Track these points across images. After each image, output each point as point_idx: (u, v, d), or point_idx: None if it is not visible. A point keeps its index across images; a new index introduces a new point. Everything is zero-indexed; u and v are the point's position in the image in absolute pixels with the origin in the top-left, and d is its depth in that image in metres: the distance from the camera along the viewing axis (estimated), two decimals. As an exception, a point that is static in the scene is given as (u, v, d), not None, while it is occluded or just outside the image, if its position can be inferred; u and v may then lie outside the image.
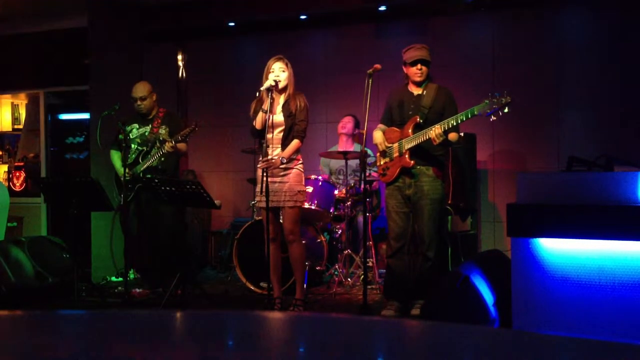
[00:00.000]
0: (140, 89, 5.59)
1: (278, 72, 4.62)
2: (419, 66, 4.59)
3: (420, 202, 4.56)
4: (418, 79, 4.62)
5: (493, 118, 4.14)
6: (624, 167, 3.59)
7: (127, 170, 5.30)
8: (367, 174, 5.67)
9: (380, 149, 4.67)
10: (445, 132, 4.34)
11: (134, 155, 5.52)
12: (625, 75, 6.02)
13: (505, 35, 6.47)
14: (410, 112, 4.61)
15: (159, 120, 5.57)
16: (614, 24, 6.12)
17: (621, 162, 3.66)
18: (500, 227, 6.27)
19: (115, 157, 5.62)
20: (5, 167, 7.88)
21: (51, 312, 2.70)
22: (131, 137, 5.56)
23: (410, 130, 4.53)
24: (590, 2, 6.30)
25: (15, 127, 7.98)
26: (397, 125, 4.65)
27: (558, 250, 3.47)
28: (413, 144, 4.48)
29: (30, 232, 7.04)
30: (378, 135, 4.70)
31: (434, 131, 4.31)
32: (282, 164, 4.59)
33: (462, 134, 5.81)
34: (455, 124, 4.30)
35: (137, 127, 5.59)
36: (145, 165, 5.41)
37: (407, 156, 4.52)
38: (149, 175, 5.32)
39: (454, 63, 6.47)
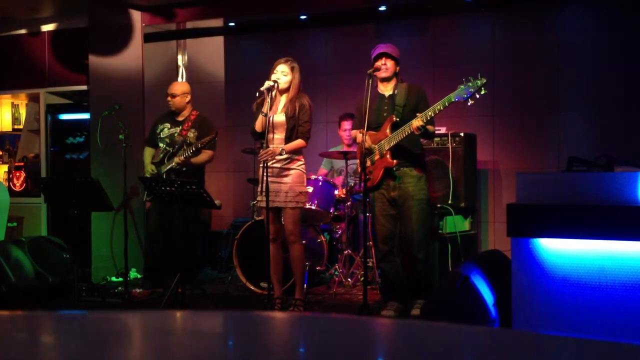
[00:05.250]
0: (174, 87, 5.67)
1: (279, 75, 4.62)
2: (382, 60, 4.56)
3: (406, 204, 4.54)
4: (383, 74, 4.57)
5: (471, 102, 4.11)
6: (624, 167, 3.59)
7: (149, 170, 5.32)
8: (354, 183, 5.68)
9: (367, 146, 4.55)
10: (425, 123, 4.32)
11: (161, 155, 5.58)
12: (626, 75, 6.02)
13: (505, 35, 6.47)
14: (385, 114, 4.59)
15: (190, 123, 5.58)
16: (614, 24, 6.12)
17: (621, 162, 3.65)
18: (500, 227, 6.26)
19: (147, 153, 5.69)
20: (5, 167, 7.87)
21: (51, 312, 2.70)
22: (162, 135, 5.61)
23: (388, 130, 4.50)
24: (590, 2, 6.31)
25: (15, 127, 7.96)
26: (373, 129, 4.60)
27: (558, 250, 3.47)
28: (393, 143, 4.46)
29: (30, 232, 7.03)
30: (360, 136, 4.54)
31: (415, 123, 4.27)
32: (281, 154, 4.59)
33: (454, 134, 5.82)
34: (434, 113, 4.26)
35: (169, 127, 5.63)
36: (168, 167, 5.43)
37: (388, 156, 4.50)
38: (172, 176, 5.34)
39: (454, 63, 6.47)
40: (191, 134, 5.54)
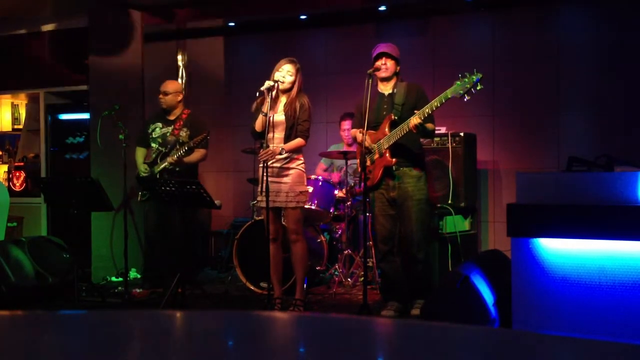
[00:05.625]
0: (167, 85, 5.66)
1: (284, 74, 4.63)
2: (382, 60, 4.56)
3: (405, 204, 4.54)
4: (383, 74, 4.58)
5: (467, 98, 4.13)
6: (624, 167, 3.59)
7: (141, 170, 5.33)
8: (353, 183, 5.68)
9: (366, 145, 4.54)
10: (423, 121, 4.31)
11: (154, 155, 5.55)
12: (626, 75, 6.02)
13: (505, 35, 6.47)
14: (384, 112, 4.59)
15: (181, 122, 5.57)
16: (614, 24, 6.12)
17: (621, 162, 3.65)
18: (500, 227, 6.26)
19: (139, 153, 5.67)
20: (5, 167, 7.87)
21: (51, 312, 2.70)
22: (154, 135, 5.60)
23: (387, 129, 4.50)
24: (591, 2, 6.31)
25: (15, 127, 7.97)
26: (372, 128, 4.61)
27: (558, 250, 3.47)
28: (392, 141, 4.46)
29: (30, 232, 7.04)
30: (360, 135, 4.56)
31: (412, 121, 4.27)
32: (281, 154, 4.59)
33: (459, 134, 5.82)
34: (432, 110, 4.26)
35: (161, 126, 5.62)
36: (162, 167, 5.42)
37: (387, 155, 4.50)
38: (166, 176, 5.34)
39: (454, 63, 6.47)
40: (183, 133, 5.52)
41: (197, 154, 5.48)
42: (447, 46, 6.65)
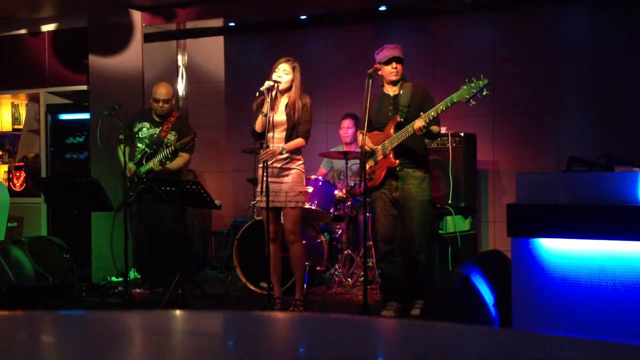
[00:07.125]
0: (165, 92, 5.57)
1: (281, 73, 4.63)
2: (393, 64, 4.56)
3: (408, 205, 4.53)
4: (394, 78, 4.59)
5: (473, 103, 4.14)
6: (624, 167, 3.59)
7: (128, 169, 5.32)
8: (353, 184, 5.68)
9: (367, 148, 4.56)
10: (428, 124, 4.32)
11: (139, 156, 5.53)
12: (625, 75, 6.02)
13: (505, 35, 6.47)
14: (389, 114, 4.59)
15: (170, 125, 5.54)
16: (614, 24, 6.12)
17: (621, 162, 3.65)
18: (500, 227, 6.26)
19: (122, 152, 5.63)
20: (5, 167, 7.87)
21: (51, 312, 2.70)
22: (140, 135, 5.56)
23: (392, 131, 4.50)
24: (591, 1, 6.30)
25: (15, 127, 7.97)
26: (377, 129, 4.61)
27: (558, 250, 3.47)
28: (396, 143, 4.46)
29: (30, 232, 7.03)
30: (362, 137, 4.56)
31: (417, 124, 4.28)
32: (282, 154, 4.59)
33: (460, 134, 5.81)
34: (437, 113, 4.27)
35: (148, 126, 5.59)
36: (147, 168, 5.42)
37: (391, 156, 4.50)
38: (151, 177, 5.32)
39: (454, 63, 6.47)
40: (171, 137, 5.51)
41: (181, 159, 5.49)
42: (447, 46, 6.65)
